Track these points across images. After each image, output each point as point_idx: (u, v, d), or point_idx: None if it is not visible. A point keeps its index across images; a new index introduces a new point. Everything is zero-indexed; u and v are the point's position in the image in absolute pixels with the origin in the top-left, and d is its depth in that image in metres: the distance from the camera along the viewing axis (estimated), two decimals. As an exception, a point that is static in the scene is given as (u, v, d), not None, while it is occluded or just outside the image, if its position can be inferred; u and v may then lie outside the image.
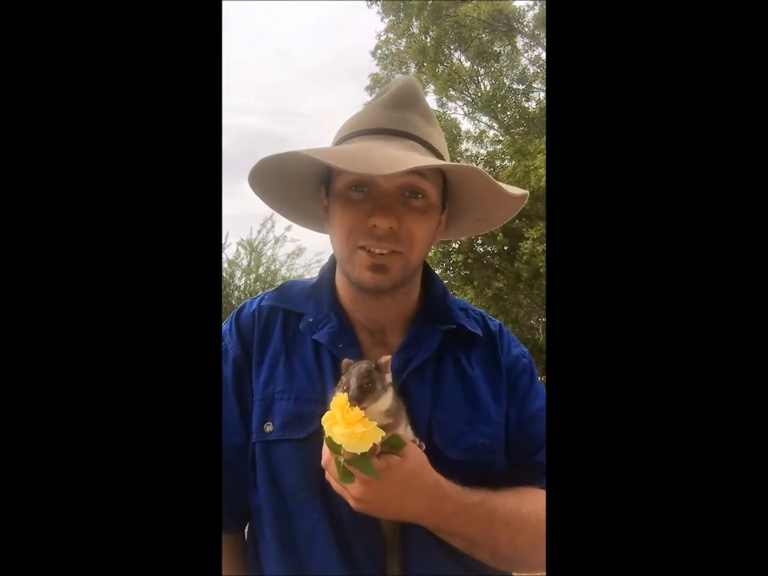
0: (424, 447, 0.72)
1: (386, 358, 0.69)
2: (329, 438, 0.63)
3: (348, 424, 0.61)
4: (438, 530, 0.73)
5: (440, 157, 0.81)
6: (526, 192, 0.83)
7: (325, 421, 0.63)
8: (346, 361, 0.70)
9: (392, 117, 0.79)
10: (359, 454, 0.62)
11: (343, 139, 0.83)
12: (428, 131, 0.81)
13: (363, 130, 0.80)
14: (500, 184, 0.78)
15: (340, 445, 0.62)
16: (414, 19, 12.91)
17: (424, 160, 0.75)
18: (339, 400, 0.63)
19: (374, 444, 0.62)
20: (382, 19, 13.97)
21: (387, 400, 0.67)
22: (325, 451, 0.68)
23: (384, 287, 0.79)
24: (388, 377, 0.69)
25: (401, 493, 0.67)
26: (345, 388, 0.65)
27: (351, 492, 0.67)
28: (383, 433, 0.62)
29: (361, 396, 0.64)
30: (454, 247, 12.04)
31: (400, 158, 0.72)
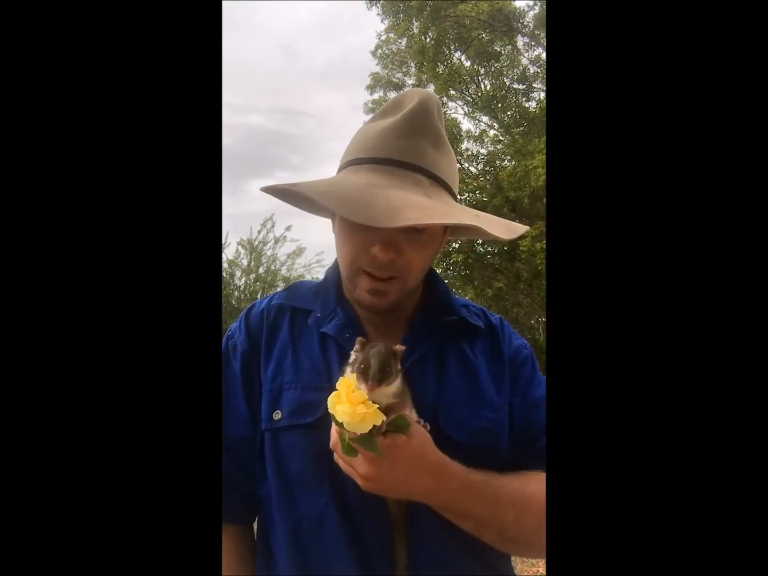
0: (428, 427, 0.74)
1: (401, 348, 0.72)
2: (333, 415, 0.65)
3: (351, 404, 0.63)
4: (445, 509, 0.74)
5: (447, 187, 0.82)
6: (527, 228, 0.87)
7: (330, 399, 0.66)
8: (360, 339, 0.72)
9: (401, 146, 0.79)
10: (359, 433, 0.64)
11: (351, 162, 0.83)
12: (437, 161, 0.81)
13: (371, 158, 0.81)
14: (497, 230, 0.80)
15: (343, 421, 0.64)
16: (414, 20, 12.91)
17: (425, 209, 0.74)
18: (345, 380, 0.66)
19: (375, 425, 0.64)
20: (382, 20, 13.99)
21: (397, 384, 0.70)
22: (333, 433, 0.70)
23: (382, 309, 0.83)
24: (399, 364, 0.72)
25: (407, 472, 0.69)
26: (361, 366, 0.67)
27: (359, 470, 0.69)
28: (384, 417, 0.65)
29: (381, 378, 0.66)
30: (454, 247, 12.06)
31: (402, 208, 0.72)
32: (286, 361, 0.84)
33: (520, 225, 0.85)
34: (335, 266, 0.93)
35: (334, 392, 0.66)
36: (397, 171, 0.79)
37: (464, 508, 0.74)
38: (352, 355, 0.72)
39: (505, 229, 0.82)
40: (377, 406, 0.64)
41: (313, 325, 0.86)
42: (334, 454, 0.72)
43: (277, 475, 0.79)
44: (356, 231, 0.79)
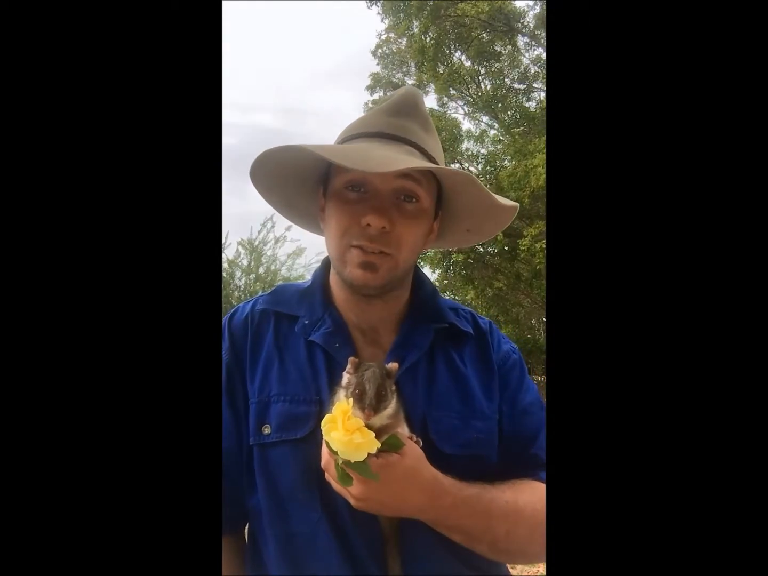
0: (421, 443, 0.73)
1: (394, 366, 0.70)
2: (327, 442, 0.64)
3: (347, 432, 0.62)
4: (437, 525, 0.74)
5: (435, 163, 0.83)
6: (516, 204, 0.86)
7: (325, 424, 0.64)
8: (353, 359, 0.70)
9: (392, 123, 0.82)
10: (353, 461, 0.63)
11: (344, 140, 0.85)
12: (425, 139, 0.84)
13: (363, 133, 0.83)
14: (491, 193, 0.81)
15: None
16: (414, 20, 12.91)
17: (417, 162, 0.77)
18: (342, 406, 0.64)
19: (369, 453, 0.63)
20: (382, 20, 13.99)
21: (393, 405, 0.69)
22: (325, 452, 0.69)
23: (373, 286, 0.80)
24: (393, 384, 0.70)
25: (401, 490, 0.68)
26: (356, 392, 0.66)
27: (351, 491, 0.68)
28: (379, 444, 0.63)
29: (378, 405, 0.65)
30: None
31: (396, 159, 0.75)
32: (272, 372, 0.81)
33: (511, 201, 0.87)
34: (322, 269, 0.92)
35: (329, 416, 0.65)
36: (389, 142, 0.81)
37: (457, 523, 0.73)
38: (345, 377, 0.70)
39: (497, 197, 0.83)
40: (373, 434, 0.63)
41: (300, 332, 0.84)
42: (326, 473, 0.71)
43: (268, 489, 0.77)
44: (348, 202, 0.79)
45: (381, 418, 0.67)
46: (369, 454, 0.63)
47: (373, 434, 0.63)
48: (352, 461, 0.62)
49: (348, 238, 0.79)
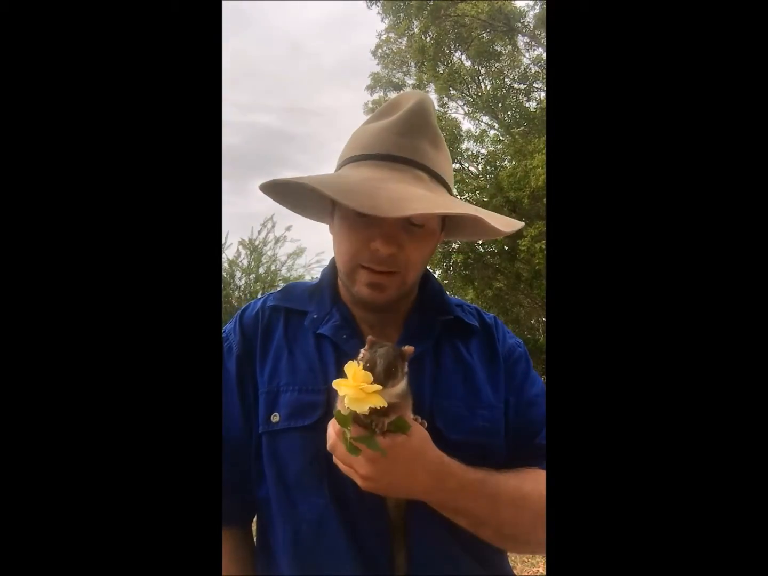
0: (426, 425, 0.74)
1: (410, 349, 0.72)
2: (338, 411, 0.66)
3: (355, 380, 0.64)
4: (443, 508, 0.75)
5: (445, 184, 0.84)
6: (522, 224, 0.88)
7: (336, 381, 0.66)
8: (370, 338, 0.72)
9: (401, 144, 0.81)
10: (365, 434, 0.66)
11: (350, 160, 0.84)
12: (436, 158, 0.83)
13: (371, 155, 0.82)
14: (497, 223, 0.81)
15: (348, 417, 0.65)
16: (414, 19, 12.91)
17: (427, 200, 0.76)
18: (352, 364, 0.67)
19: (379, 419, 0.65)
20: (382, 20, 14.00)
21: (402, 386, 0.71)
22: (331, 434, 0.71)
23: (380, 303, 0.82)
24: (406, 366, 0.72)
25: (407, 471, 0.70)
26: (368, 365, 0.68)
27: (358, 470, 0.69)
28: (384, 403, 0.65)
29: (385, 380, 0.67)
30: (454, 248, 12.07)
31: (405, 199, 0.73)
32: (282, 363, 0.83)
33: (516, 221, 0.87)
34: (330, 267, 0.93)
35: (341, 379, 0.67)
36: (397, 166, 0.80)
37: (462, 506, 0.74)
38: (361, 353, 0.72)
39: (503, 222, 0.84)
40: (380, 388, 0.65)
41: (309, 326, 0.86)
42: (333, 455, 0.72)
43: (276, 478, 0.79)
44: (357, 226, 0.80)
45: (389, 395, 0.68)
46: (375, 430, 0.65)
47: (381, 387, 0.65)
48: (359, 412, 0.64)
49: (357, 259, 0.80)
